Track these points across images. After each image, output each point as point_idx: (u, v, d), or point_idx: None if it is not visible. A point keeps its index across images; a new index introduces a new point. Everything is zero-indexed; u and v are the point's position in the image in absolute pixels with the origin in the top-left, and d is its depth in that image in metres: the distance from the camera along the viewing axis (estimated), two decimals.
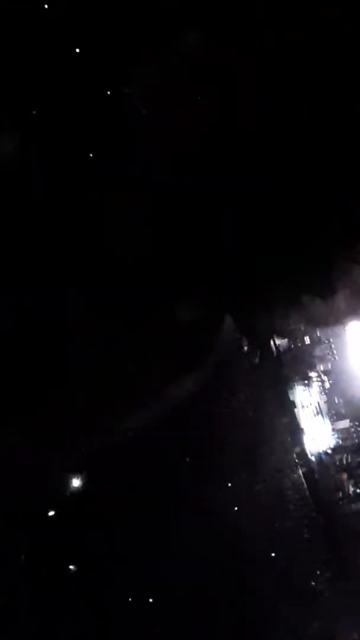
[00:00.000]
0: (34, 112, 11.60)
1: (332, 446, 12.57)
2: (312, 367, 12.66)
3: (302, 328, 12.59)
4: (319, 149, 11.34)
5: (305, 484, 12.38)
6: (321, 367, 12.65)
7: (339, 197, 11.49)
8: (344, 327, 12.48)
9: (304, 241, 11.61)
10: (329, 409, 12.64)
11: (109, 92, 11.85)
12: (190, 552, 11.42)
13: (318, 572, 12.15)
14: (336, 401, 12.65)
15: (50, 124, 11.40)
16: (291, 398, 12.55)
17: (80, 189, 11.44)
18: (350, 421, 12.61)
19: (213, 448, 11.90)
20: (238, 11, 11.21)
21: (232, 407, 12.14)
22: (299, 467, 12.42)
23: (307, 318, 12.41)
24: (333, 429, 12.63)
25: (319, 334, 12.62)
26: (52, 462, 11.56)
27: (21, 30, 11.31)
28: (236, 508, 11.90)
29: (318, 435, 12.57)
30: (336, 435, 12.61)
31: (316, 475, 12.49)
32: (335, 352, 12.59)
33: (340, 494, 12.51)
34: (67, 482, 11.75)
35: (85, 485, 11.73)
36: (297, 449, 12.46)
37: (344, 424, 12.63)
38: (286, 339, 12.60)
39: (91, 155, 11.75)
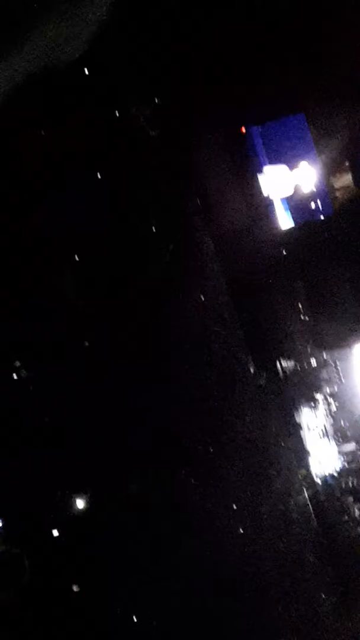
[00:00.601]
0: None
1: (338, 469, 12.52)
2: (319, 390, 12.62)
3: (309, 350, 12.54)
4: None
5: (310, 506, 12.34)
6: (327, 390, 12.60)
7: None
8: (350, 349, 12.43)
9: None
10: (335, 432, 12.59)
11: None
12: (193, 574, 11.39)
13: (323, 596, 12.09)
14: (342, 424, 12.60)
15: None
16: (297, 420, 12.50)
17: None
18: (356, 444, 12.56)
19: (218, 470, 11.86)
20: None
21: (237, 429, 12.10)
22: (304, 489, 12.38)
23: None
24: (339, 452, 12.58)
25: (325, 356, 12.57)
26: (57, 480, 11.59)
27: None
28: (241, 530, 11.85)
29: (324, 458, 12.52)
30: (342, 458, 12.56)
31: (322, 498, 12.45)
32: (341, 374, 12.54)
33: (346, 517, 12.46)
34: (71, 502, 11.76)
35: (89, 505, 11.74)
36: (303, 472, 12.42)
37: (350, 446, 12.59)
38: (292, 361, 12.56)
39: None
